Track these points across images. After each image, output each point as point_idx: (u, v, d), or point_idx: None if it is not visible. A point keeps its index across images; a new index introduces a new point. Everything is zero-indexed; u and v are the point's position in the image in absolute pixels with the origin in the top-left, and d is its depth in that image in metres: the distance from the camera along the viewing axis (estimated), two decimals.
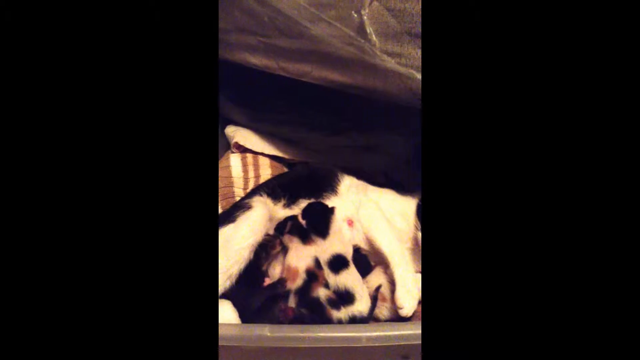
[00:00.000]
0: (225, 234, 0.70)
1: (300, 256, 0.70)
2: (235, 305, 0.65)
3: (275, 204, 0.79)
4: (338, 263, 0.68)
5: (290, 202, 0.80)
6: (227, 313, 0.63)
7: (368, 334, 0.52)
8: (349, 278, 0.66)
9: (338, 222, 0.74)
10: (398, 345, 0.53)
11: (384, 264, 0.71)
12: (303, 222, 0.73)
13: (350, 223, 0.78)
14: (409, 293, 0.65)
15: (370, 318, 0.65)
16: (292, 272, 0.69)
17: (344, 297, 0.65)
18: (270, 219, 0.75)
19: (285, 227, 0.73)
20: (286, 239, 0.73)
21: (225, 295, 0.67)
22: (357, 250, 0.75)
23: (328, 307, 0.64)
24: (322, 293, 0.66)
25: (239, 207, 0.76)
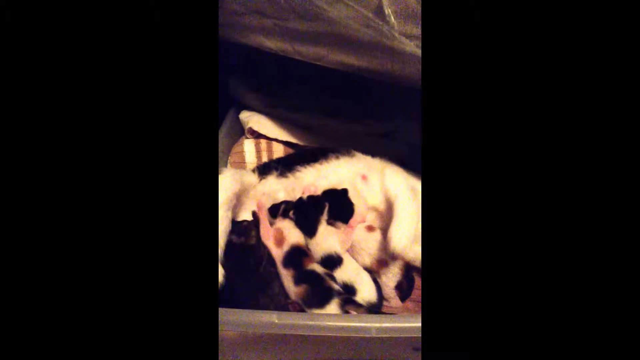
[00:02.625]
0: None
1: (290, 233, 0.69)
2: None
3: (264, 177, 0.78)
4: (330, 262, 0.67)
5: (285, 171, 0.79)
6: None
7: (378, 324, 0.50)
8: (344, 273, 0.65)
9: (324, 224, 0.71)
10: (409, 337, 0.52)
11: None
12: (293, 217, 0.71)
13: (365, 177, 0.76)
14: (403, 228, 0.64)
15: (380, 305, 0.64)
16: (278, 235, 0.68)
17: (346, 290, 0.64)
18: (245, 189, 0.74)
19: (279, 210, 0.72)
20: (278, 221, 0.71)
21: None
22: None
23: (327, 279, 0.63)
24: (317, 268, 0.65)
25: None
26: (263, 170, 0.80)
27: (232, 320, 0.51)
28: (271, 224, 0.71)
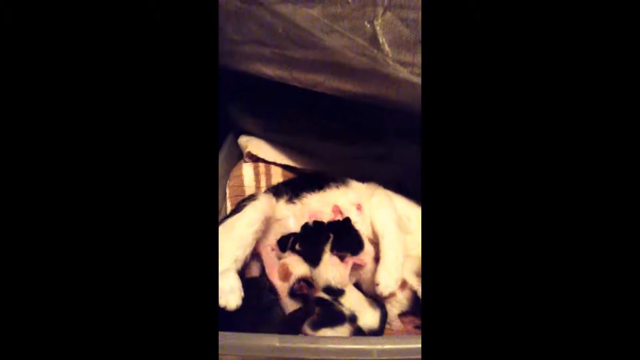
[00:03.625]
0: (230, 222, 0.72)
1: (295, 265, 0.70)
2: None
3: (277, 200, 0.80)
4: (332, 291, 0.67)
5: (294, 197, 0.81)
6: (231, 281, 0.63)
7: (380, 346, 0.50)
8: (347, 301, 0.66)
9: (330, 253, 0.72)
10: (411, 359, 0.52)
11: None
12: (298, 248, 0.73)
13: (359, 207, 0.78)
14: (389, 272, 0.65)
15: (382, 330, 0.64)
16: (284, 270, 0.69)
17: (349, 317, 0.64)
18: (273, 212, 0.77)
19: (287, 244, 0.73)
20: (286, 255, 0.73)
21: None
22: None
23: (336, 304, 0.63)
24: (323, 295, 0.65)
25: (245, 199, 0.79)
26: (276, 192, 0.83)
27: (233, 345, 0.51)
28: (279, 257, 0.73)
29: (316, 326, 0.62)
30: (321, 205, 0.81)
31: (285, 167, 1.01)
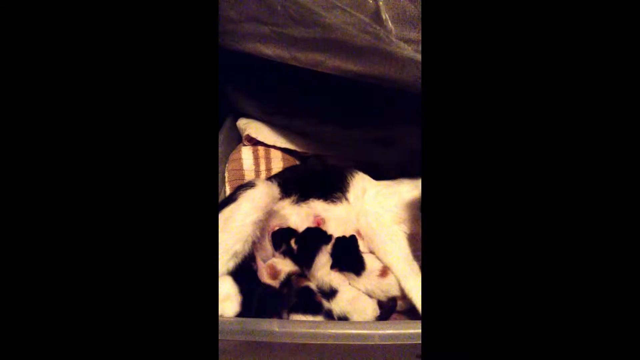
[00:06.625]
0: (227, 213, 0.68)
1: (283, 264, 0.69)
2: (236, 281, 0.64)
3: (283, 198, 0.78)
4: (324, 293, 0.66)
5: (300, 200, 0.79)
6: (227, 285, 0.62)
7: (381, 331, 0.50)
8: (340, 303, 0.65)
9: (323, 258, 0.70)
10: (412, 344, 0.51)
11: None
12: (295, 247, 0.71)
13: (359, 234, 0.76)
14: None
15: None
16: (272, 271, 0.68)
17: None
18: (273, 200, 0.74)
19: (280, 246, 0.72)
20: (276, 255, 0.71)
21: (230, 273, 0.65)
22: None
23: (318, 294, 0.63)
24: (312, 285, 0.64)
25: (242, 187, 0.74)
26: (285, 188, 0.80)
27: (233, 330, 0.51)
28: (270, 255, 0.71)
29: (293, 311, 0.61)
30: (325, 210, 0.78)
31: (285, 150, 0.99)
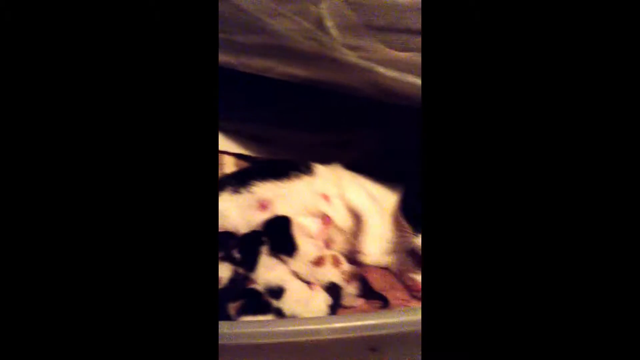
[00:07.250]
0: None
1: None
2: None
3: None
4: (272, 292, 0.66)
5: (240, 187, 0.76)
6: None
7: (329, 325, 0.49)
8: (287, 301, 0.65)
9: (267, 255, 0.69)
10: (364, 336, 0.51)
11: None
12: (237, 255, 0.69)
13: (327, 197, 0.75)
14: (375, 239, 0.64)
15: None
16: None
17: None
18: None
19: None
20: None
21: None
22: None
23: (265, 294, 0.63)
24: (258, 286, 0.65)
25: None
26: (221, 185, 0.77)
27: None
28: None
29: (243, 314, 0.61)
30: (275, 196, 0.75)
31: (238, 155, 0.99)
